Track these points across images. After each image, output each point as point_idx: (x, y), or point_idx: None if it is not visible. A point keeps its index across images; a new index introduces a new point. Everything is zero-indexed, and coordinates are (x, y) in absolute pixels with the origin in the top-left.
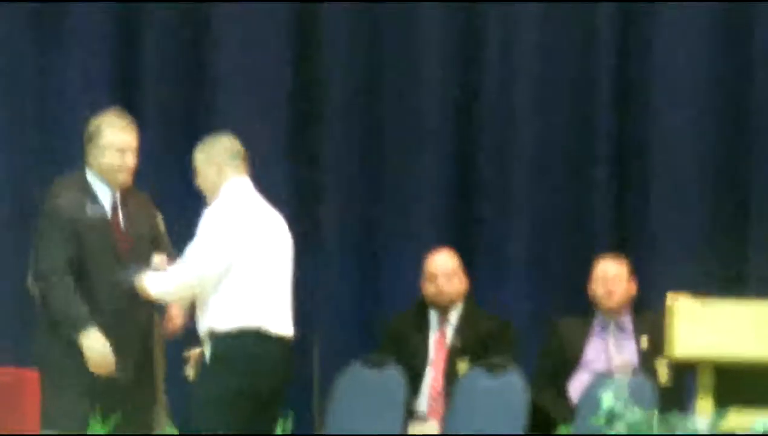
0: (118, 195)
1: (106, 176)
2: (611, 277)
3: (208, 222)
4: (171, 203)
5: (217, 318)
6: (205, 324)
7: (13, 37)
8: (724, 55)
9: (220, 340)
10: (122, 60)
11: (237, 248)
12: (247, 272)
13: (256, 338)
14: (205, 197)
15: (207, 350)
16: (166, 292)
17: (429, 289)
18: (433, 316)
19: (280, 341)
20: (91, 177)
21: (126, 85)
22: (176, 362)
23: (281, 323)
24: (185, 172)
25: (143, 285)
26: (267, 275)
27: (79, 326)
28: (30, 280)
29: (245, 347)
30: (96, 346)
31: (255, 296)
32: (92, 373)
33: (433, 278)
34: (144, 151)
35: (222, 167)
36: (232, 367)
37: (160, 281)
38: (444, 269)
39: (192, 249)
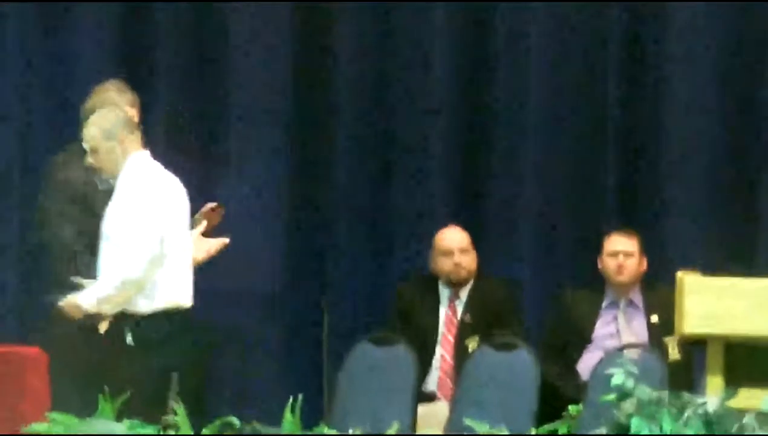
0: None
1: None
2: (622, 252)
3: (131, 202)
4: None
5: (143, 299)
6: (128, 307)
7: (21, 23)
8: (734, 37)
9: (146, 322)
10: (130, 45)
11: (165, 222)
12: (169, 248)
13: (181, 316)
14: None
15: (128, 334)
16: (108, 297)
17: (445, 264)
18: (444, 293)
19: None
20: None
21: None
22: None
23: (189, 297)
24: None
25: (75, 304)
26: (181, 248)
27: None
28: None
29: (173, 327)
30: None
31: (177, 272)
32: (100, 352)
33: (449, 253)
34: (152, 132)
35: (124, 141)
36: (161, 349)
37: (98, 290)
38: (460, 244)
39: (124, 236)
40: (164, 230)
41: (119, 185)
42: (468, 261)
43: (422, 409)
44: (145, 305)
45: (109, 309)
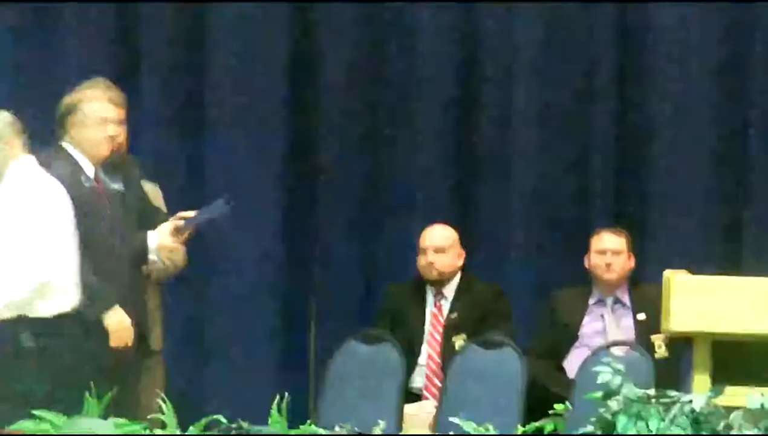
0: (99, 167)
1: (86, 149)
2: (611, 250)
3: (14, 216)
4: (171, 192)
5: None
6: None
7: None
8: (724, 37)
9: (41, 325)
10: (120, 53)
11: (50, 237)
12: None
13: (77, 320)
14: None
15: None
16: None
17: (420, 262)
18: (429, 291)
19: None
20: (71, 149)
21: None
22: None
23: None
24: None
25: None
26: (67, 253)
27: (105, 305)
28: None
29: (68, 330)
30: (123, 323)
31: (66, 276)
32: (86, 350)
33: (424, 251)
34: (144, 139)
35: (11, 145)
36: (57, 351)
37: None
38: (435, 243)
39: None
40: (50, 246)
41: (1, 192)
42: (442, 261)
43: (409, 408)
44: (41, 309)
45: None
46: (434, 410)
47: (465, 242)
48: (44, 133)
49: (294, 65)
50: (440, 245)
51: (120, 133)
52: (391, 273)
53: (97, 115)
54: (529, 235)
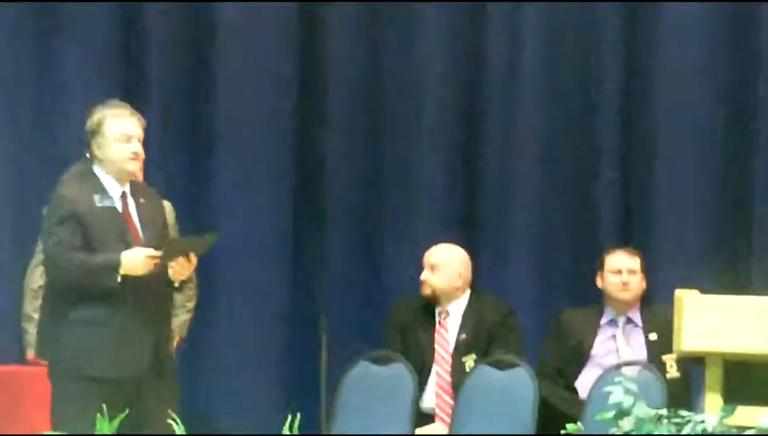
0: (127, 187)
1: (113, 167)
2: (627, 269)
3: None
4: (175, 203)
5: None
6: None
7: (13, 33)
8: (727, 54)
9: None
10: (125, 59)
11: None
12: None
13: None
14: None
15: None
16: None
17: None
18: (437, 310)
19: None
20: (97, 169)
21: (129, 85)
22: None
23: None
24: (189, 170)
25: None
26: None
27: (112, 267)
28: (29, 275)
29: None
30: (138, 261)
31: None
32: (99, 370)
33: (422, 268)
34: (147, 151)
35: None
36: None
37: None
38: (429, 260)
39: None
40: None
41: None
42: (434, 278)
43: (420, 431)
44: None
45: None
46: (446, 431)
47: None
48: (42, 146)
49: (300, 82)
50: (434, 263)
51: (142, 151)
52: (399, 281)
53: (120, 132)
54: (533, 253)
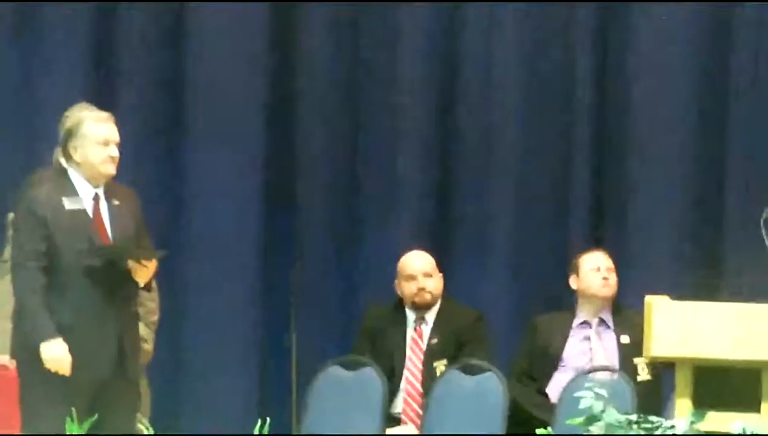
0: (101, 189)
1: (90, 170)
2: (605, 267)
3: None
4: (150, 203)
5: None
6: None
7: None
8: (702, 51)
9: None
10: (98, 58)
11: None
12: None
13: None
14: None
15: None
16: None
17: (409, 289)
18: (410, 316)
19: None
20: (71, 171)
21: (102, 83)
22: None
23: None
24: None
25: None
26: None
27: (42, 335)
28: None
29: None
30: (56, 356)
31: None
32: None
33: (413, 278)
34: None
35: None
36: None
37: None
38: (423, 269)
39: None
40: None
41: None
42: (432, 285)
43: (390, 431)
44: None
45: None
46: (416, 432)
47: (444, 264)
48: (24, 146)
49: (273, 75)
50: (428, 270)
51: (117, 153)
52: (371, 285)
53: (99, 135)
54: (507, 258)
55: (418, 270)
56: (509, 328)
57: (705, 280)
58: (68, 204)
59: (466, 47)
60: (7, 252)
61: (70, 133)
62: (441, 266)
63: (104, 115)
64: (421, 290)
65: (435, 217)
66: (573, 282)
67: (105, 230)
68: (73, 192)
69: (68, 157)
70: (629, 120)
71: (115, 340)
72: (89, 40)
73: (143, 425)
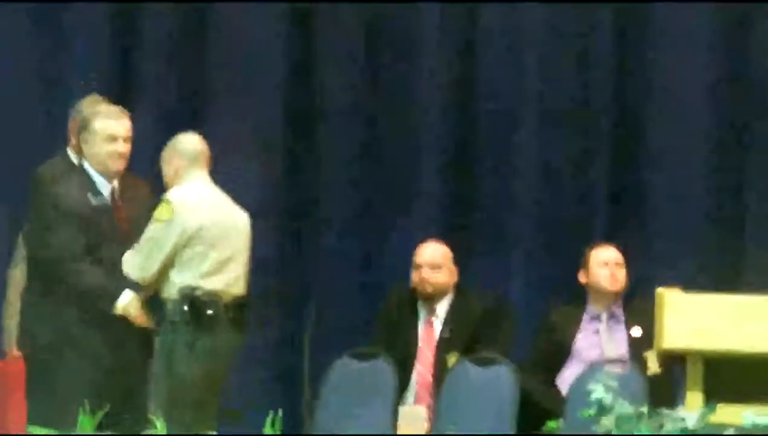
0: (116, 183)
1: (99, 165)
2: (614, 261)
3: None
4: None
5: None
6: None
7: (12, 32)
8: (720, 55)
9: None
10: (119, 57)
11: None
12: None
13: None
14: None
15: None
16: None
17: (414, 278)
18: (422, 307)
19: None
20: (87, 166)
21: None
22: None
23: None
24: None
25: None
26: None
27: (112, 296)
28: (13, 268)
29: None
30: (135, 308)
31: None
32: (82, 364)
33: (419, 267)
34: (139, 145)
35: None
36: None
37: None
38: (429, 260)
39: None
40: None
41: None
42: (436, 277)
43: (402, 413)
44: None
45: None
46: (426, 415)
47: (461, 255)
48: (47, 139)
49: (292, 71)
50: (436, 262)
51: (128, 149)
52: (390, 279)
53: (108, 131)
54: (526, 250)
55: (425, 260)
56: (528, 322)
57: (724, 278)
58: (94, 200)
59: (488, 38)
60: (20, 271)
61: (81, 127)
62: (460, 261)
63: (115, 109)
64: (423, 280)
65: (454, 209)
66: (582, 276)
67: (125, 225)
68: (94, 188)
69: (79, 151)
70: (648, 115)
71: (137, 335)
72: (112, 43)
73: (157, 423)
